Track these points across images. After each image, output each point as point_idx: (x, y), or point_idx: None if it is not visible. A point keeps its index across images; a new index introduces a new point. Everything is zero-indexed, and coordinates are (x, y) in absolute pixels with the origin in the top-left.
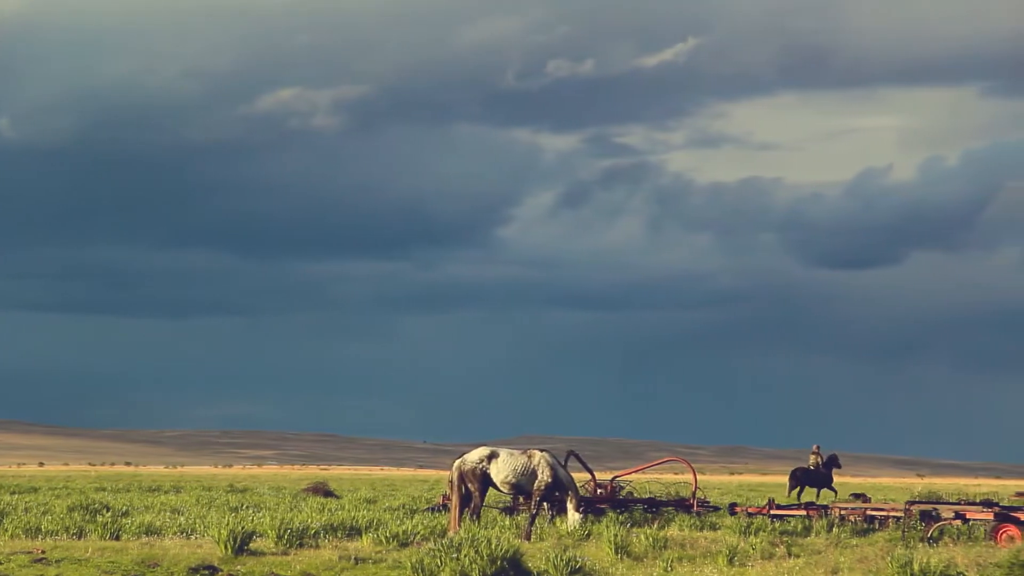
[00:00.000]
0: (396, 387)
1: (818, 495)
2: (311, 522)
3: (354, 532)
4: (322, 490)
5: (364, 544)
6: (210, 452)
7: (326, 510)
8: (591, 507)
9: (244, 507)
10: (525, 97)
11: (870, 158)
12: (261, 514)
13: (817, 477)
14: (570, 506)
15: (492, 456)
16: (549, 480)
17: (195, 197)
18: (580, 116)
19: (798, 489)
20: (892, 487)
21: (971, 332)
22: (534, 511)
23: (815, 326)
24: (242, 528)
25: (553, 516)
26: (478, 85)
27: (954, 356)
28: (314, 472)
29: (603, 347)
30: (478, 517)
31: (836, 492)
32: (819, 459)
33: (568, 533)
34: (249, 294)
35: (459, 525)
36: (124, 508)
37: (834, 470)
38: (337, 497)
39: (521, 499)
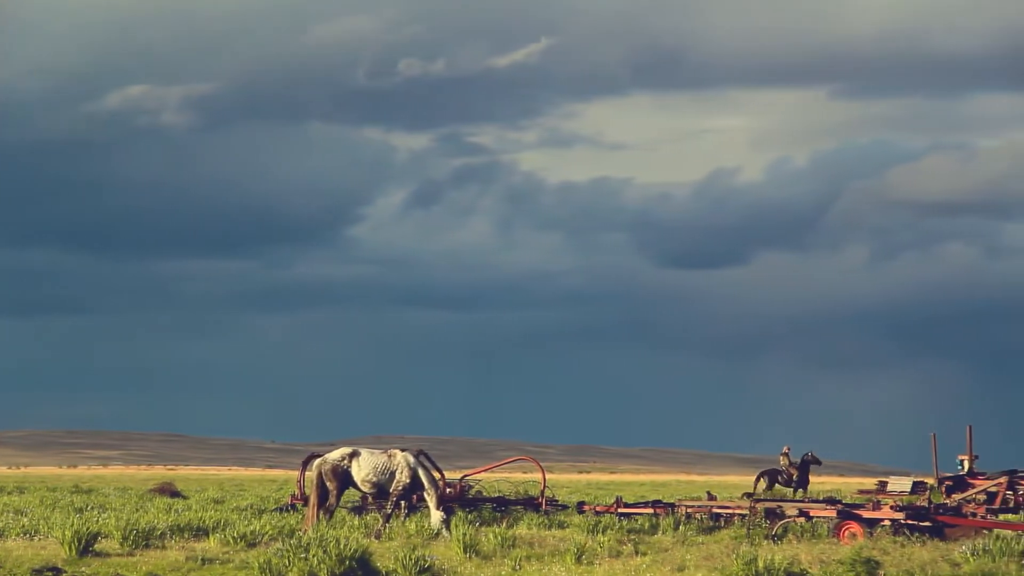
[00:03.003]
0: (244, 387)
1: (795, 493)
2: (157, 523)
3: (201, 533)
4: (169, 490)
5: (211, 545)
6: (54, 452)
7: (173, 511)
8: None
9: (89, 508)
10: (377, 96)
11: (720, 159)
12: (106, 515)
13: (787, 479)
14: (431, 505)
15: (354, 455)
16: (407, 481)
17: (40, 195)
18: (432, 115)
19: (764, 483)
20: (738, 485)
21: (817, 332)
22: (389, 511)
23: (665, 325)
24: (87, 529)
25: (407, 515)
26: (329, 83)
27: (800, 355)
28: (161, 472)
29: (453, 346)
30: (331, 516)
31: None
32: (789, 460)
33: (425, 532)
34: (94, 292)
35: (316, 523)
36: None
37: (812, 467)
38: (184, 497)
39: (370, 499)
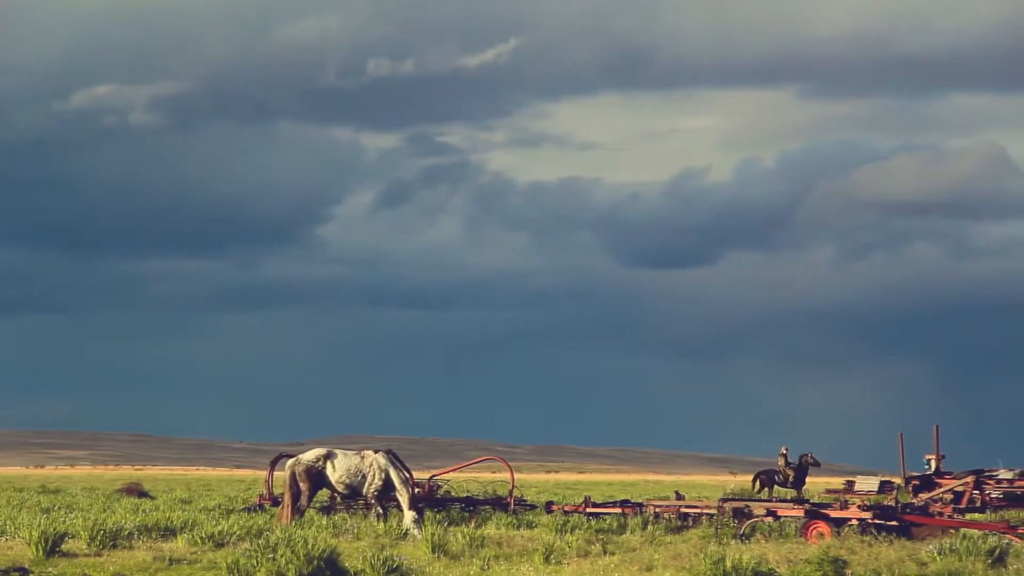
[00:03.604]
0: (212, 386)
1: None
2: (125, 523)
3: (169, 533)
4: (136, 490)
5: (179, 545)
6: (21, 452)
7: (140, 511)
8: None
9: (56, 508)
10: (346, 95)
11: (689, 158)
12: (74, 515)
13: (783, 479)
14: (404, 505)
15: (329, 456)
16: (380, 483)
17: (9, 194)
18: (401, 115)
19: (759, 487)
20: (706, 484)
21: (784, 331)
22: (373, 516)
23: (634, 325)
24: (54, 529)
25: (379, 515)
26: (298, 83)
27: (767, 355)
28: (128, 472)
29: (422, 346)
30: (301, 516)
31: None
32: (786, 461)
33: (393, 532)
34: (63, 292)
35: (288, 523)
36: None
37: (810, 468)
38: (152, 498)
39: (339, 499)
